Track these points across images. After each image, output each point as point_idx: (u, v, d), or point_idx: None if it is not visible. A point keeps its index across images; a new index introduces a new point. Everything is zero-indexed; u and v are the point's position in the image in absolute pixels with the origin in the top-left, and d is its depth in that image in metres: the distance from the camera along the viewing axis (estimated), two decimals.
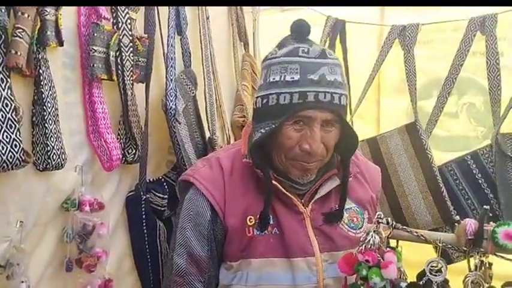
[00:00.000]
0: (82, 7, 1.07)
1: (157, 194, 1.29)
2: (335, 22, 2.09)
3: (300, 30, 1.06)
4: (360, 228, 1.12)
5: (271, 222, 1.06)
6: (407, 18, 2.00)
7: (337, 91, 1.01)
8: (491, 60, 1.79)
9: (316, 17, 2.20)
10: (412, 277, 1.06)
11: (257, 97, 1.06)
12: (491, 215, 1.64)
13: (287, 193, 1.07)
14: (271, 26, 2.16)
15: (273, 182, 1.06)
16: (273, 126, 1.01)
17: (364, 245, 1.01)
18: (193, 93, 1.51)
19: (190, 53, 1.54)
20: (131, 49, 1.19)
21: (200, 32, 1.61)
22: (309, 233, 1.07)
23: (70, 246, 1.06)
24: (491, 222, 0.94)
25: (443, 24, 2.05)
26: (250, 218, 1.06)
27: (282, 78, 1.00)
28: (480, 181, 1.78)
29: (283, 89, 1.00)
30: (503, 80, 1.76)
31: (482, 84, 2.01)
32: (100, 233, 1.08)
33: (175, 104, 1.31)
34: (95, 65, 1.08)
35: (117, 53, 1.16)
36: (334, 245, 1.08)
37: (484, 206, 0.94)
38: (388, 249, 1.02)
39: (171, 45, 1.36)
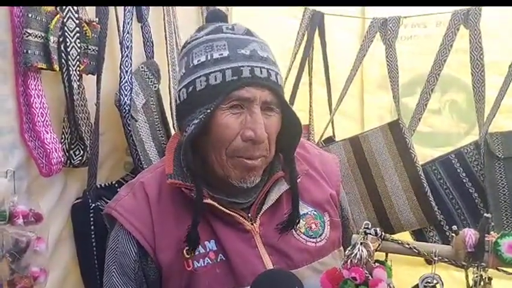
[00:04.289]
0: None
1: (109, 201, 1.12)
2: (313, 14, 1.96)
3: (216, 17, 0.94)
4: (321, 235, 0.98)
5: (215, 248, 0.90)
6: (388, 11, 1.89)
7: (273, 68, 0.87)
8: (475, 55, 1.70)
9: (293, 9, 2.08)
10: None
11: (179, 90, 0.89)
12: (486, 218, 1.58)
13: (227, 211, 0.90)
14: (245, 16, 2.01)
15: (209, 201, 0.89)
16: (208, 111, 0.84)
17: (350, 260, 0.87)
18: (155, 87, 1.35)
19: (152, 43, 1.38)
20: (78, 34, 1.02)
21: (164, 20, 1.45)
22: (261, 253, 0.92)
23: (0, 266, 0.88)
24: (492, 232, 0.82)
25: (426, 19, 1.95)
26: (187, 250, 0.88)
27: (209, 57, 0.85)
28: (464, 180, 1.69)
29: (213, 68, 0.84)
30: (486, 76, 1.67)
31: (465, 82, 1.94)
32: (37, 250, 0.90)
33: (130, 99, 1.14)
34: (30, 52, 0.90)
35: (61, 39, 0.99)
36: (292, 262, 0.93)
37: (485, 215, 0.80)
38: (376, 264, 0.89)
39: (127, 32, 1.19)
